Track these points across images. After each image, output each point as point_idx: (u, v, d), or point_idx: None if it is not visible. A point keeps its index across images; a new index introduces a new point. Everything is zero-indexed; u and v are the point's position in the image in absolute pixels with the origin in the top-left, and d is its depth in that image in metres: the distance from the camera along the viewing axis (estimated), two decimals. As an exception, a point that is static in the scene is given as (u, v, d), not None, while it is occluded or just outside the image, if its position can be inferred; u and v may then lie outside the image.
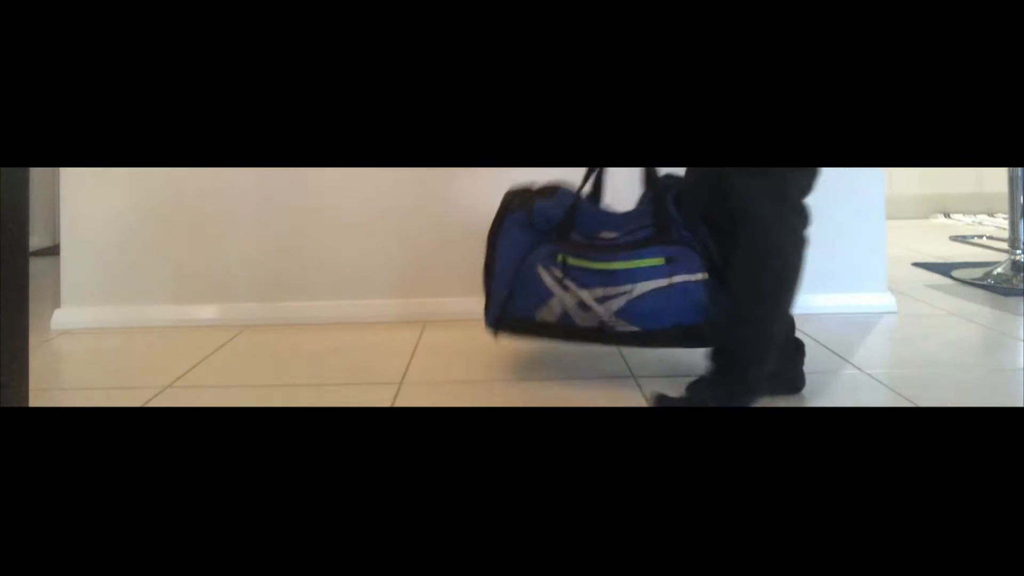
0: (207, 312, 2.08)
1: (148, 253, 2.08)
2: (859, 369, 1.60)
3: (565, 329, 1.44)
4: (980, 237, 3.39)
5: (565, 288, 1.42)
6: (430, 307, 2.09)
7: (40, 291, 2.18)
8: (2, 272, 0.76)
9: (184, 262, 2.09)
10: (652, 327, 1.40)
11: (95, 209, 2.07)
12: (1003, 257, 2.58)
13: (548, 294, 1.43)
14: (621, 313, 1.40)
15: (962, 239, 3.36)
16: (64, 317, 2.06)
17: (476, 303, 2.11)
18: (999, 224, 3.67)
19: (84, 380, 1.69)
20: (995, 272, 2.48)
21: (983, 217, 4.00)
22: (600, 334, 1.43)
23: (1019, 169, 2.52)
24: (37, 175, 2.96)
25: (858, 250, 2.12)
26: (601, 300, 1.41)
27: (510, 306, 1.47)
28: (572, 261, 1.42)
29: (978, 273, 2.51)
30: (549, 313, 1.44)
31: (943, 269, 2.64)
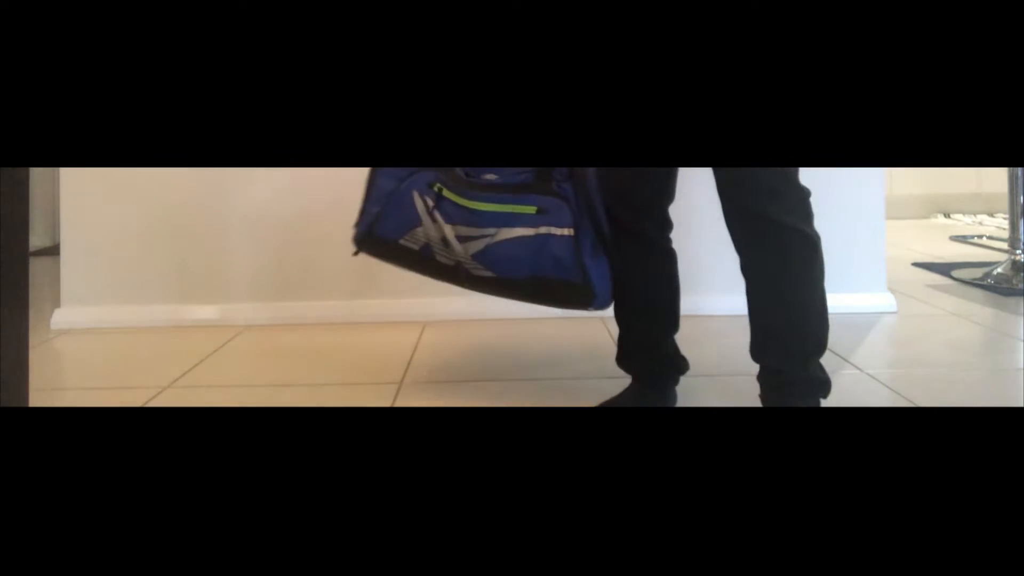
0: (207, 312, 2.08)
1: (148, 253, 2.08)
2: (859, 369, 1.60)
3: (423, 261, 1.40)
4: (980, 237, 3.39)
5: (433, 219, 1.37)
6: (430, 307, 2.10)
7: (40, 291, 2.19)
8: (2, 272, 0.76)
9: (184, 262, 2.09)
10: (507, 275, 1.34)
11: (95, 209, 2.07)
12: (1003, 257, 2.58)
13: (416, 221, 1.38)
14: (479, 256, 1.34)
15: (962, 239, 3.37)
16: (64, 317, 2.06)
17: (476, 303, 2.12)
18: (999, 224, 3.67)
19: (84, 380, 1.69)
20: (995, 272, 2.48)
21: (983, 217, 4.01)
22: (454, 274, 1.39)
23: (1019, 169, 2.52)
24: (37, 175, 2.97)
25: (858, 250, 2.12)
26: (462, 239, 1.35)
27: (378, 226, 1.41)
28: (446, 193, 1.36)
29: (978, 273, 2.51)
30: (413, 241, 1.39)
31: (943, 269, 2.64)
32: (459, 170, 1.37)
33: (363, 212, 1.42)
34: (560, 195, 1.29)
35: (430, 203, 1.36)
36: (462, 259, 1.35)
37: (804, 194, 1.17)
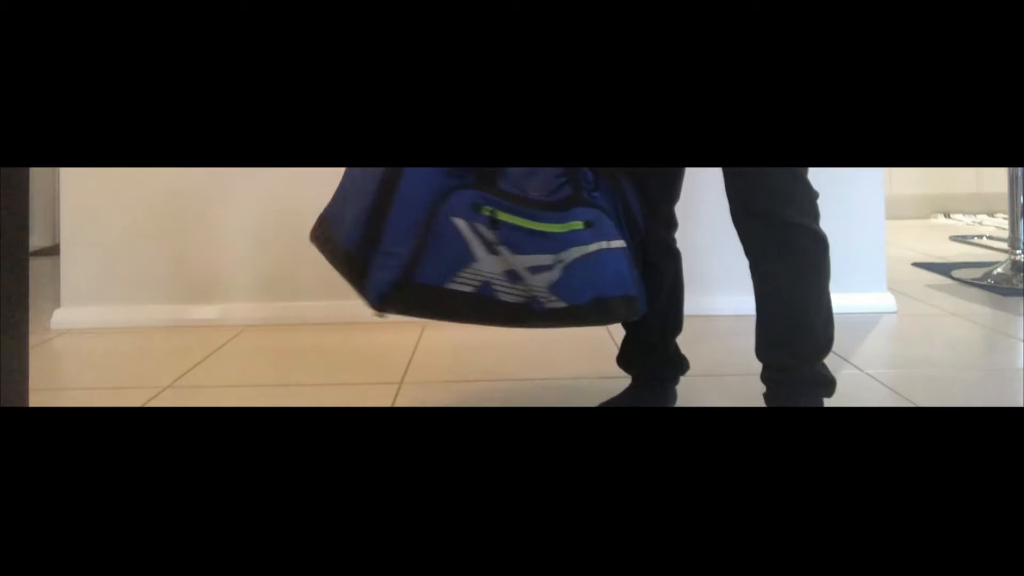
0: (207, 312, 2.08)
1: (148, 253, 2.08)
2: (859, 369, 1.60)
3: (481, 304, 1.11)
4: (980, 237, 3.39)
5: (493, 251, 1.09)
6: (430, 307, 2.09)
7: (40, 291, 2.19)
8: (2, 272, 0.76)
9: (184, 262, 2.09)
10: (575, 302, 1.13)
11: (95, 209, 2.07)
12: (1003, 257, 2.58)
13: (467, 257, 1.08)
14: (556, 286, 1.11)
15: (962, 239, 3.37)
16: (64, 317, 2.06)
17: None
18: (999, 224, 3.67)
19: (84, 380, 1.69)
20: (995, 272, 2.48)
21: (983, 217, 4.01)
22: (521, 314, 1.12)
23: (1019, 169, 2.52)
24: (37, 175, 2.97)
25: (858, 250, 2.12)
26: (536, 270, 1.10)
27: (419, 270, 1.08)
28: (502, 216, 1.09)
29: (978, 273, 2.51)
30: (465, 282, 1.09)
31: (943, 269, 2.64)
32: (506, 183, 1.13)
33: (377, 256, 1.09)
34: (594, 205, 1.15)
35: (486, 232, 1.09)
36: (538, 293, 1.11)
37: (813, 194, 1.17)
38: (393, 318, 2.04)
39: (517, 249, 1.10)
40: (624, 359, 1.39)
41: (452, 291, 1.09)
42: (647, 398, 1.35)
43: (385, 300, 1.09)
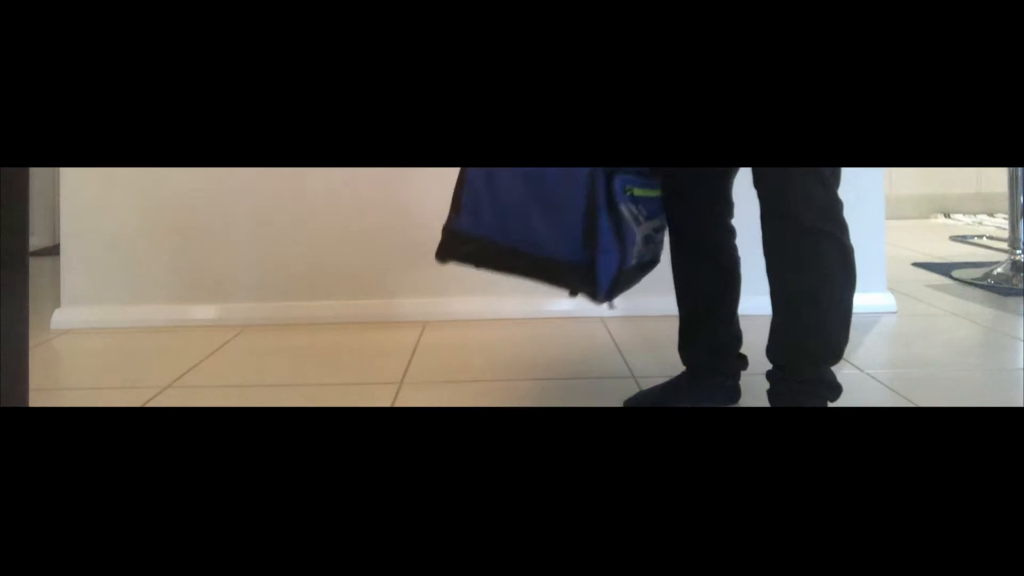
0: (207, 312, 2.08)
1: (148, 253, 2.08)
2: (859, 369, 1.60)
3: (639, 270, 1.29)
4: (980, 237, 3.39)
5: (638, 223, 1.24)
6: (430, 307, 2.09)
7: (40, 291, 2.19)
8: (2, 272, 0.76)
9: (184, 262, 2.09)
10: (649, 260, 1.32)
11: (95, 209, 2.07)
12: (1003, 257, 2.58)
13: (633, 234, 1.22)
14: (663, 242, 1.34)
15: (962, 239, 3.37)
16: (64, 317, 2.06)
17: (476, 303, 2.12)
18: (999, 224, 3.67)
19: (84, 380, 1.69)
20: (995, 272, 2.48)
21: (983, 217, 4.01)
22: (648, 267, 1.31)
23: (1019, 169, 2.52)
24: (37, 175, 2.97)
25: (858, 250, 2.11)
26: (658, 229, 1.31)
27: (625, 259, 1.20)
28: (637, 192, 1.23)
29: (978, 273, 2.51)
30: (637, 256, 1.25)
31: (943, 269, 2.64)
32: None
33: (605, 252, 1.18)
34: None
35: (634, 208, 1.23)
36: (660, 248, 1.34)
37: (839, 205, 1.19)
38: (395, 317, 2.04)
39: (650, 216, 1.26)
40: (681, 348, 1.40)
41: (635, 267, 1.24)
42: (694, 387, 1.36)
43: (612, 293, 1.20)
